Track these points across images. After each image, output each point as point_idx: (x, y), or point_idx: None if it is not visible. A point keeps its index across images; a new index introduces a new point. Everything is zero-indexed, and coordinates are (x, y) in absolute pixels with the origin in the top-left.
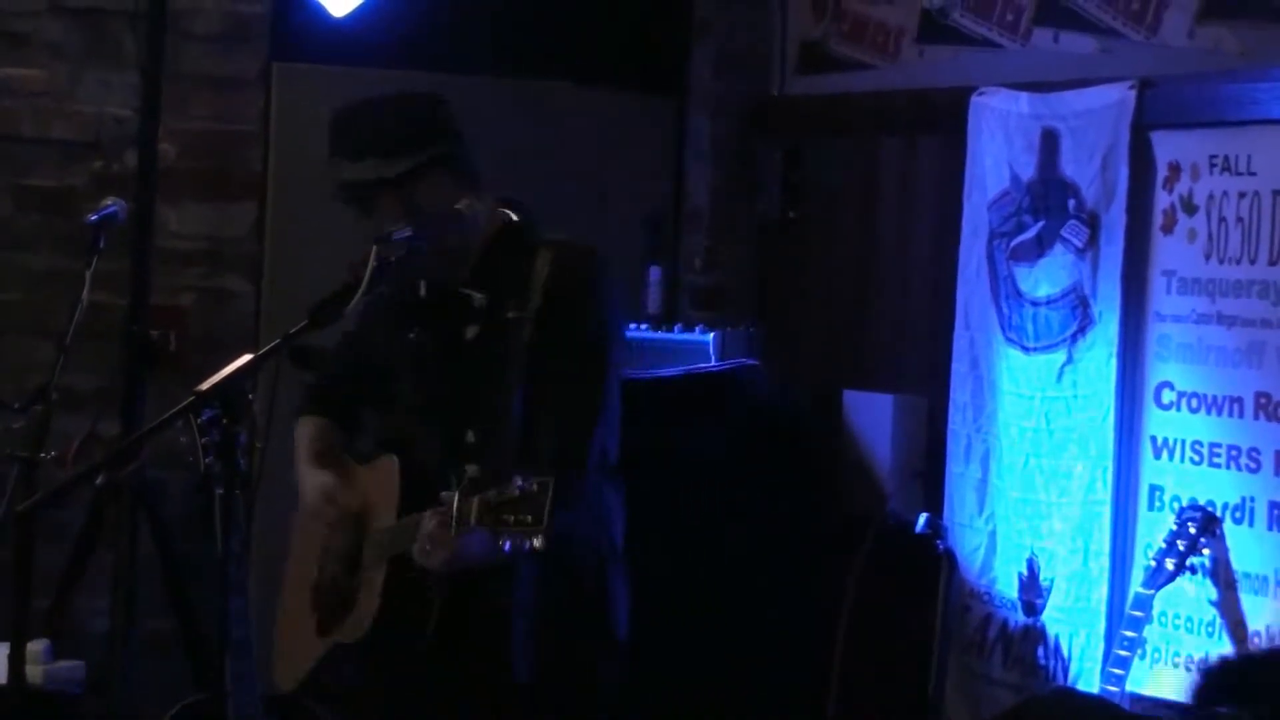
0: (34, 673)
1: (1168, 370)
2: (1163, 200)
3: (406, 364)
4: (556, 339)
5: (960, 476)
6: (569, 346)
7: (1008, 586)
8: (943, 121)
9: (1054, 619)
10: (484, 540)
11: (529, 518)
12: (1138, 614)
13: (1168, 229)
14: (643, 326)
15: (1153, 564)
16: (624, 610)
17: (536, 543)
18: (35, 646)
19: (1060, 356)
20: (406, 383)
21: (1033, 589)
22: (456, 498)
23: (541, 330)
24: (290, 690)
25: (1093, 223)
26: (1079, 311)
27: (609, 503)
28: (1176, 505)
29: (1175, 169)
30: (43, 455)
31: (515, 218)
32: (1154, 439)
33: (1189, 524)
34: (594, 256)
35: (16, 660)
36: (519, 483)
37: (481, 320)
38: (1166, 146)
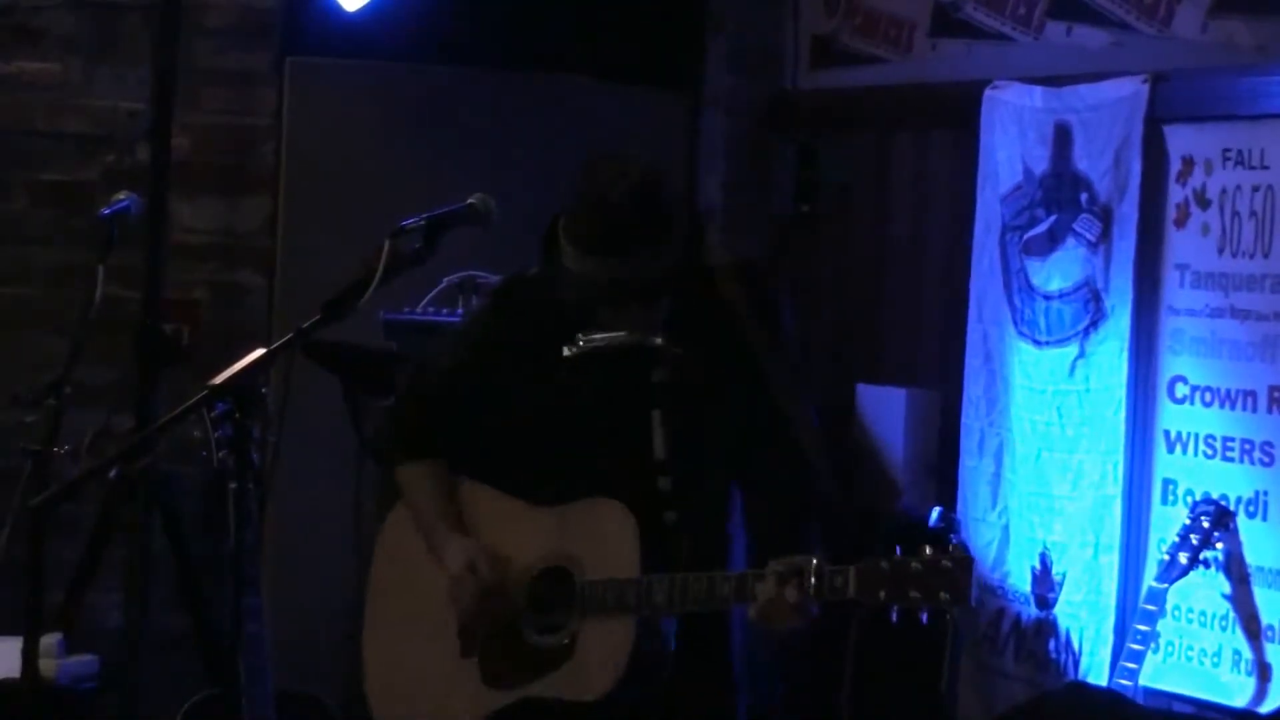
0: (47, 667)
1: (1181, 364)
2: (1176, 194)
3: (584, 405)
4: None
5: (973, 470)
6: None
7: (1020, 580)
8: (956, 115)
9: (1066, 613)
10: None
11: (944, 595)
12: (1151, 608)
13: (1181, 223)
14: None
15: (1166, 558)
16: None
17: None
18: (48, 641)
19: (1072, 350)
20: (581, 423)
21: (1045, 583)
22: (815, 563)
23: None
24: None
25: (1105, 216)
26: (1091, 305)
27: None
28: (1190, 499)
29: (1188, 163)
30: (56, 449)
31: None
32: (1167, 433)
33: (1202, 518)
34: (758, 271)
35: (30, 655)
36: (930, 556)
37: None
38: (1179, 140)
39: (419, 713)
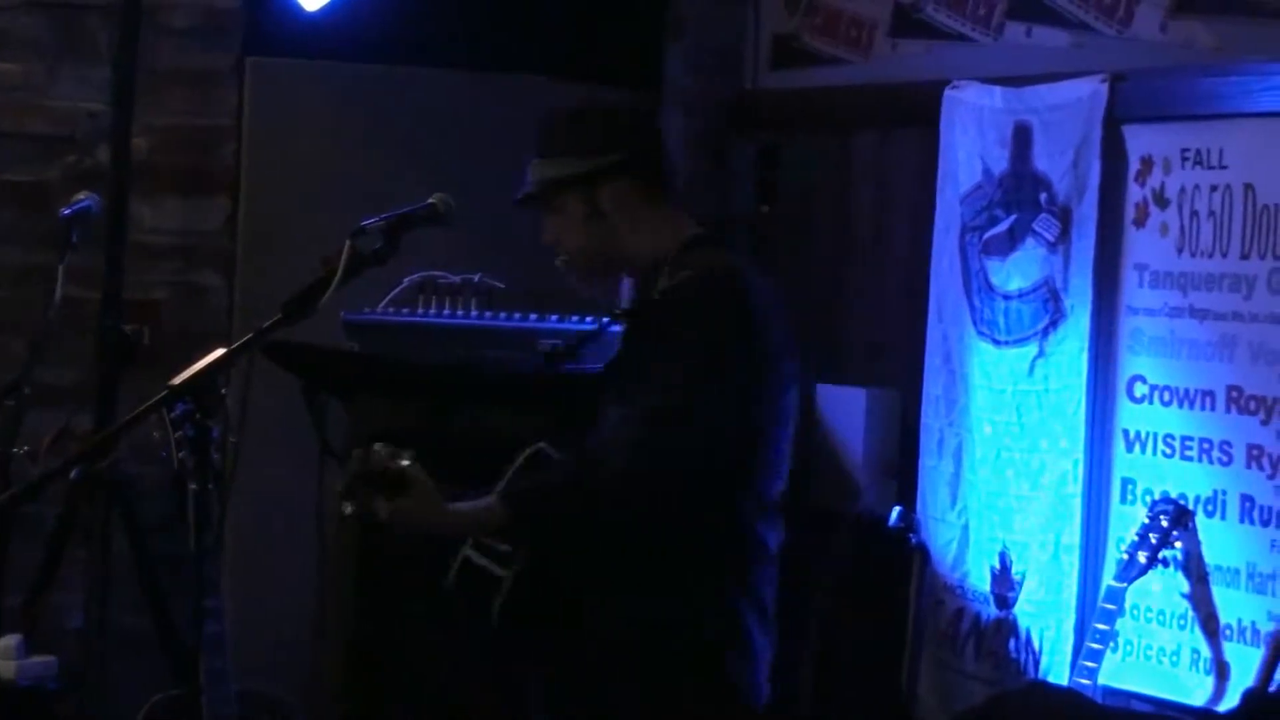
0: (6, 668)
1: (1140, 364)
2: (1135, 194)
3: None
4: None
5: (933, 470)
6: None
7: (980, 580)
8: (916, 115)
9: (1026, 612)
10: None
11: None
12: (1110, 607)
13: (1140, 222)
14: (616, 324)
15: (1125, 557)
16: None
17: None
18: (8, 642)
19: (1032, 350)
20: None
21: (1005, 582)
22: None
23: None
24: None
25: (1064, 216)
26: (1050, 305)
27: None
28: (1148, 498)
29: (1147, 163)
30: (16, 450)
31: (686, 240)
32: (1126, 432)
33: (1161, 517)
34: (711, 277)
35: None
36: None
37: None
38: (1138, 140)
39: None
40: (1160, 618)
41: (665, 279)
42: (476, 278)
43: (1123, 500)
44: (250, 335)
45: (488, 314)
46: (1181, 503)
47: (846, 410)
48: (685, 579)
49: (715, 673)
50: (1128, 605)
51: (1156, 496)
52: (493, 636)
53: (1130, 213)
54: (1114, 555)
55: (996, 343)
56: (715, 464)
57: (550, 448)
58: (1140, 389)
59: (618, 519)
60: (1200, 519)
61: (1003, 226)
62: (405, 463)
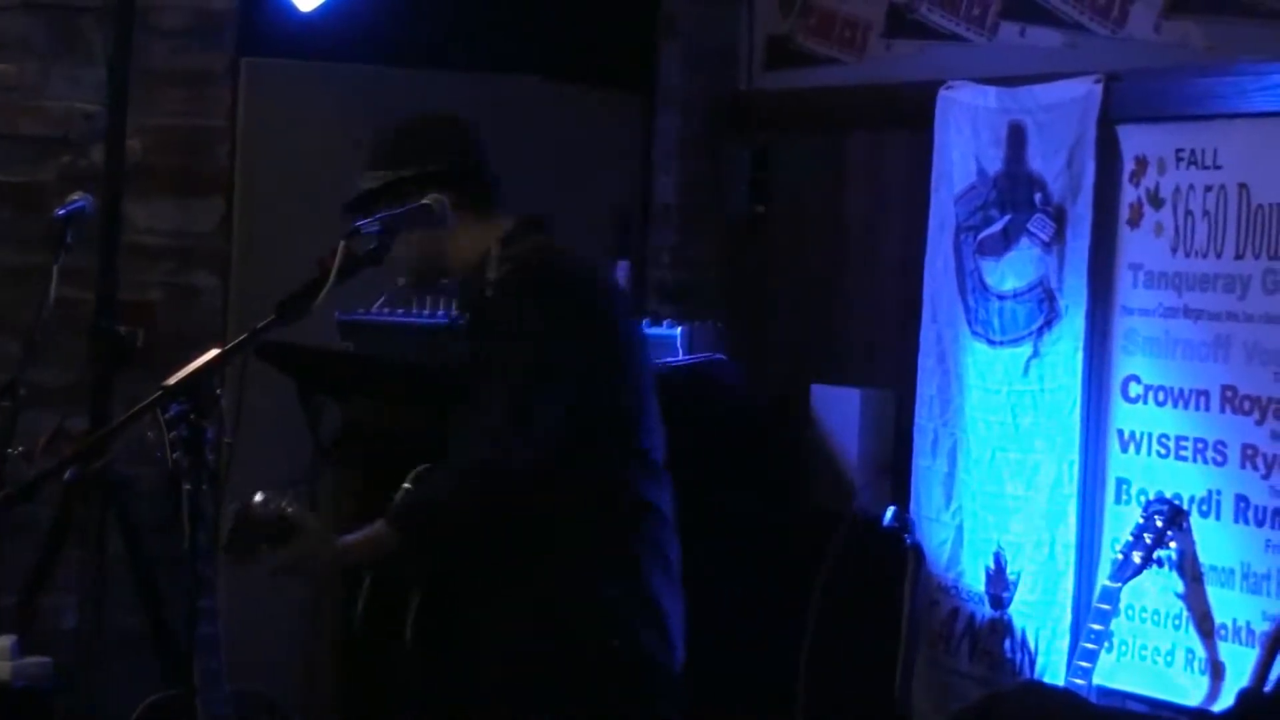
0: (1, 669)
1: (1134, 364)
2: (1129, 194)
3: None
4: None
5: (927, 470)
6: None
7: (975, 580)
8: (910, 116)
9: (1021, 612)
10: None
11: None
12: (1105, 607)
13: (1134, 223)
14: None
15: (1119, 557)
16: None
17: None
18: (2, 642)
19: (1026, 350)
20: None
21: (999, 582)
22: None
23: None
24: None
25: (1059, 216)
26: (1045, 305)
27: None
28: (1143, 498)
29: (1142, 163)
30: (10, 451)
31: (503, 236)
32: (1121, 432)
33: (1156, 517)
34: (529, 267)
35: None
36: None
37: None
38: (1133, 140)
39: None
40: (1155, 618)
41: (491, 275)
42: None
43: (1117, 500)
44: (245, 336)
45: None
46: (1176, 503)
47: (841, 410)
48: (588, 558)
49: (629, 648)
50: (1122, 605)
51: (1151, 497)
52: (408, 657)
53: (1125, 213)
54: (1109, 555)
55: (991, 343)
56: (584, 442)
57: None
58: (1135, 389)
59: (501, 517)
60: (1195, 519)
61: (997, 226)
62: (288, 509)
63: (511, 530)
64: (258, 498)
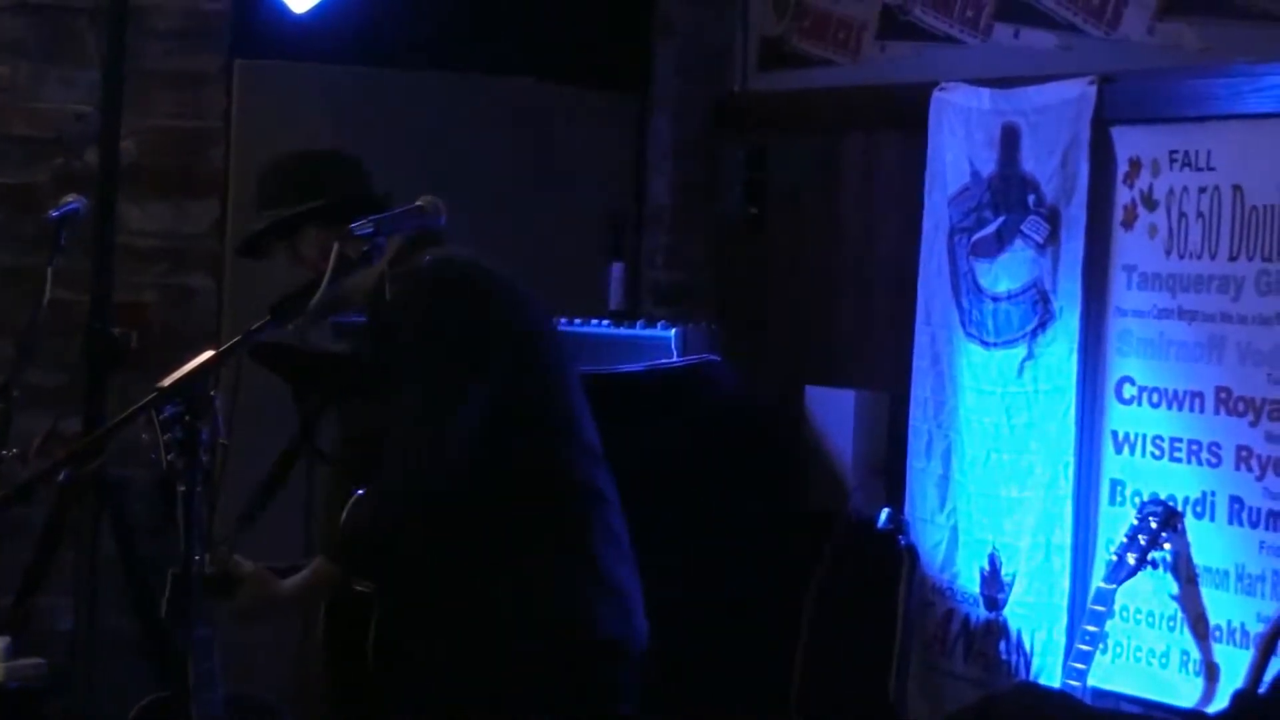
0: None
1: (1128, 365)
2: (1123, 195)
3: None
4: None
5: (922, 472)
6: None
7: (969, 582)
8: (904, 117)
9: (1015, 614)
10: None
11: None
12: (1099, 609)
13: (1128, 224)
14: (604, 322)
15: (1114, 559)
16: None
17: None
18: None
19: (1020, 352)
20: None
21: (994, 584)
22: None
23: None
24: None
25: (1053, 218)
26: (1039, 307)
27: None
28: (1137, 500)
29: (1135, 164)
30: (4, 453)
31: (391, 258)
32: (1115, 434)
33: (1150, 518)
34: (414, 280)
35: None
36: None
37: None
38: (1127, 142)
39: None
40: (1150, 619)
41: (387, 293)
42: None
43: (1112, 502)
44: (239, 337)
45: None
46: (1170, 504)
47: (835, 412)
48: (543, 544)
49: (590, 629)
50: (1117, 607)
51: (1145, 498)
52: (371, 675)
53: (1118, 214)
54: (1103, 557)
55: (985, 344)
56: (513, 433)
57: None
58: (1129, 390)
59: (452, 527)
60: (1189, 520)
61: (991, 228)
62: (227, 562)
63: (459, 530)
64: (195, 559)
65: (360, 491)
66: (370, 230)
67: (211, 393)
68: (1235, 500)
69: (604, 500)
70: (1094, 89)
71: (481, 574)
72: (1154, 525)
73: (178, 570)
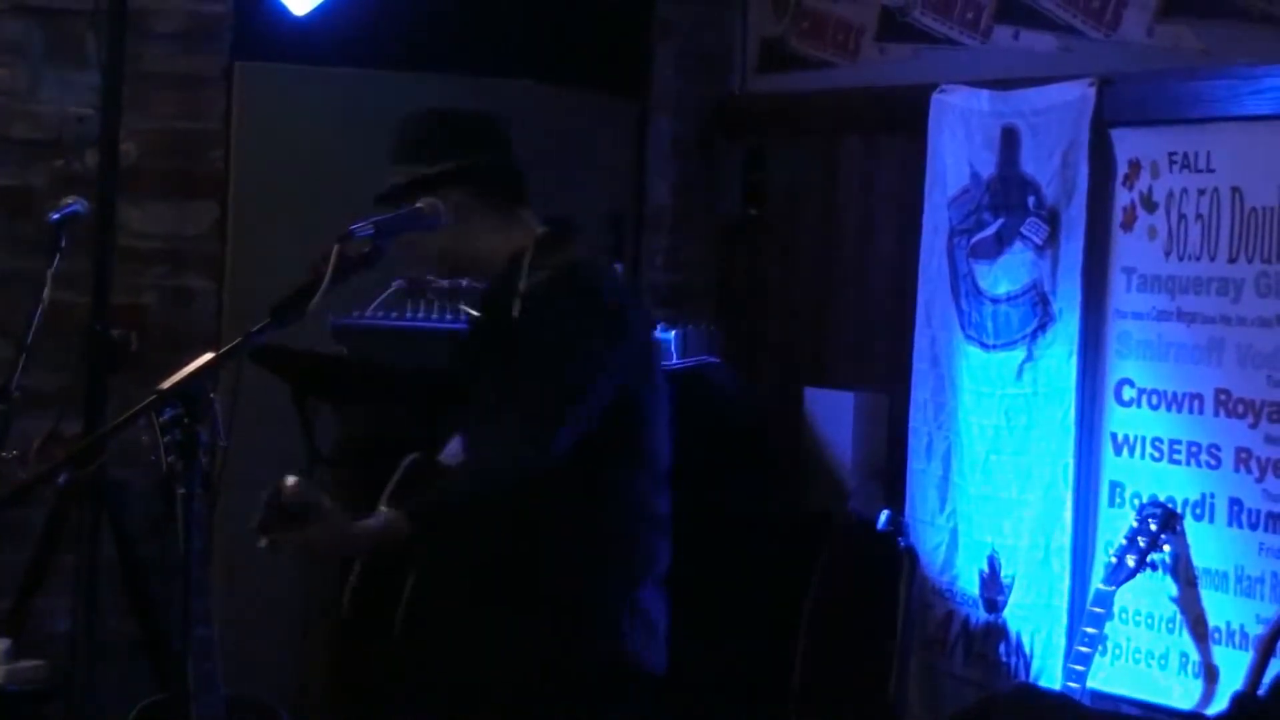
0: None
1: (1128, 367)
2: (1123, 197)
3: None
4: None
5: (921, 474)
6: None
7: (969, 583)
8: (904, 119)
9: (1015, 616)
10: None
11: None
12: (1099, 610)
13: (1128, 226)
14: None
15: (1113, 560)
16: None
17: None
18: None
19: (1020, 354)
20: None
21: (994, 586)
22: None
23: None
24: None
25: (1052, 220)
26: (1039, 309)
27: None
28: (1137, 502)
29: (1135, 166)
30: (4, 454)
31: (537, 237)
32: (1114, 436)
33: (1149, 520)
34: (568, 275)
35: None
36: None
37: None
38: (1126, 144)
39: None
40: (1149, 621)
41: (523, 281)
42: (464, 282)
43: (1111, 504)
44: (239, 339)
45: None
46: (1170, 506)
47: (835, 414)
48: (585, 561)
49: (618, 652)
50: (1116, 609)
51: (1145, 500)
52: (395, 647)
53: (1118, 216)
54: (1103, 559)
55: (985, 346)
56: (597, 450)
57: (425, 458)
58: (1128, 392)
59: (518, 523)
60: (1188, 522)
61: (990, 230)
62: (312, 492)
63: (512, 528)
64: (289, 480)
65: (413, 457)
66: (370, 232)
67: (211, 395)
68: (1235, 502)
69: (655, 526)
70: (1094, 91)
71: (521, 572)
72: (1153, 527)
73: (273, 489)
